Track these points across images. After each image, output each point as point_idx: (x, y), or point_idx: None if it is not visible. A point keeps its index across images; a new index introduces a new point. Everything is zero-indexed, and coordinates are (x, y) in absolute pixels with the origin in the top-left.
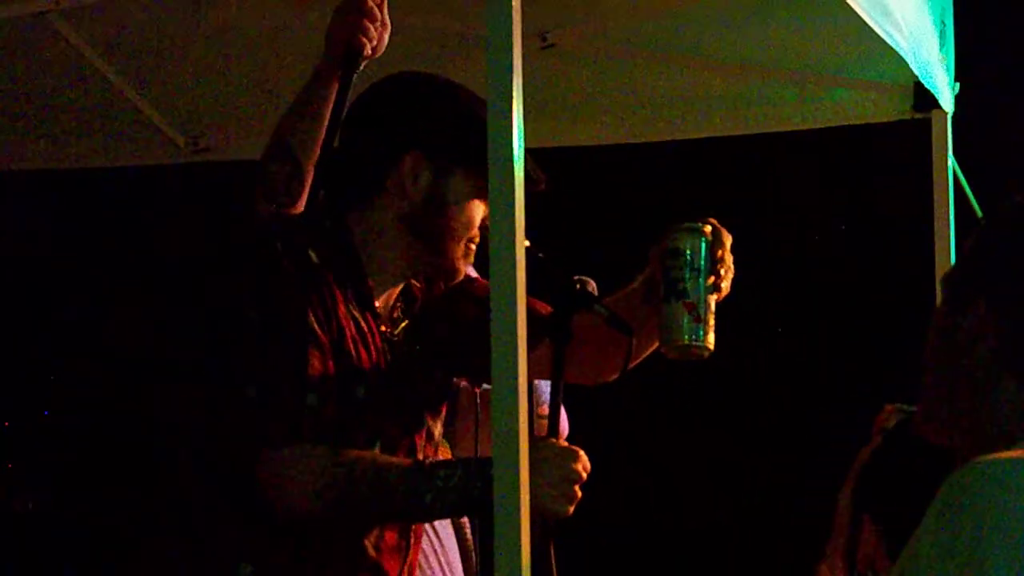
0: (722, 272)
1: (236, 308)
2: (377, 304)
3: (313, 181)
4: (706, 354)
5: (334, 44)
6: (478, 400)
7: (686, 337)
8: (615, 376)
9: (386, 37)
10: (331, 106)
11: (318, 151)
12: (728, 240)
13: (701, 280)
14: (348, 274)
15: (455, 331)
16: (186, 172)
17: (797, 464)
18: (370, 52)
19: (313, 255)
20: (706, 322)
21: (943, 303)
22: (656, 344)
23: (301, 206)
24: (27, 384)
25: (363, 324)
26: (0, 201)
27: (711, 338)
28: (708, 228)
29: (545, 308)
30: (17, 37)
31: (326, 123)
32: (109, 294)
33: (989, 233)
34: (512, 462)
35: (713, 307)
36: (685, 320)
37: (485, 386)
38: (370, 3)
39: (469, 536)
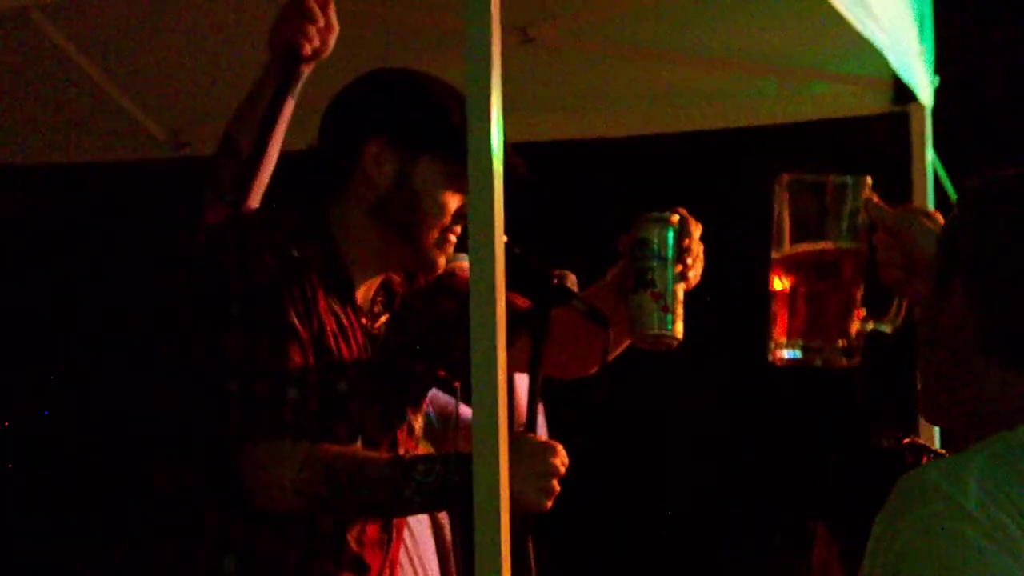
0: (689, 261)
1: (218, 303)
2: (357, 298)
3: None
4: (675, 343)
5: (273, 45)
6: (458, 395)
7: (655, 327)
8: (593, 370)
9: (331, 39)
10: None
11: (268, 148)
12: (696, 230)
13: (669, 270)
14: (327, 268)
15: (435, 326)
16: (167, 168)
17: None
18: (310, 53)
19: (293, 250)
20: (674, 311)
21: (926, 294)
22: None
23: (254, 201)
24: (6, 380)
25: (343, 318)
26: None
27: (679, 327)
28: (675, 218)
29: (523, 302)
30: None
31: (275, 126)
32: (90, 289)
33: (958, 216)
34: (491, 457)
35: (681, 296)
36: (653, 310)
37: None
38: (310, 5)
39: (448, 537)
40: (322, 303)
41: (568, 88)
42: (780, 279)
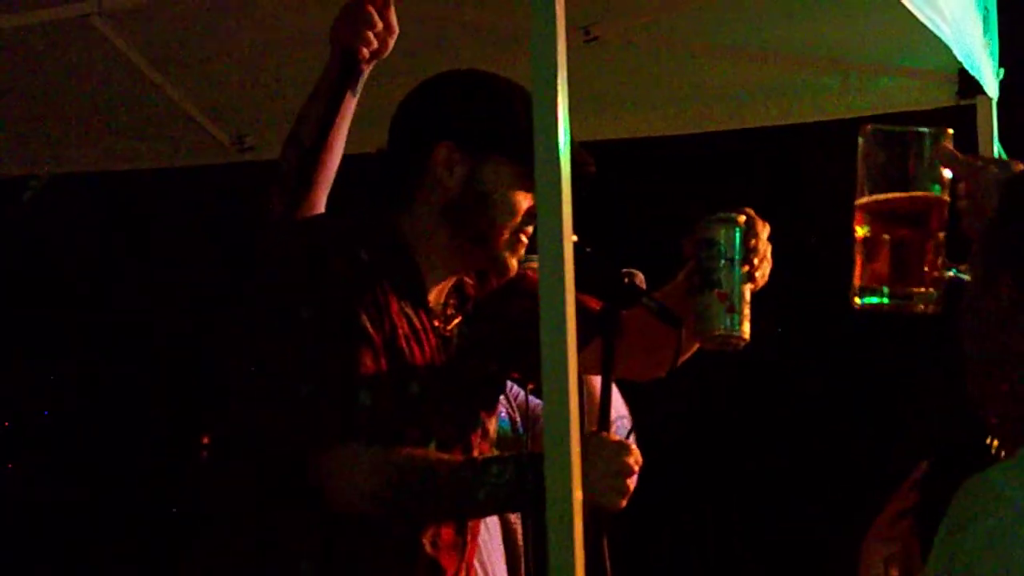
0: (756, 262)
1: (289, 307)
2: (429, 300)
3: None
4: (741, 344)
5: (334, 44)
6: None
7: (721, 327)
8: (666, 370)
9: (391, 41)
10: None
11: (328, 142)
12: (764, 230)
13: (736, 270)
14: (399, 271)
15: (507, 327)
16: (232, 171)
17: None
18: (367, 56)
19: (364, 253)
20: (740, 312)
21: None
22: None
23: (320, 203)
24: (84, 380)
25: (416, 321)
26: (49, 204)
27: (746, 328)
28: (742, 218)
29: (595, 304)
30: (60, 40)
31: (334, 121)
32: (162, 293)
33: (1005, 208)
34: (564, 456)
35: (748, 297)
36: (719, 310)
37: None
38: (368, 8)
39: (520, 540)
40: (394, 306)
41: (631, 86)
42: (862, 226)
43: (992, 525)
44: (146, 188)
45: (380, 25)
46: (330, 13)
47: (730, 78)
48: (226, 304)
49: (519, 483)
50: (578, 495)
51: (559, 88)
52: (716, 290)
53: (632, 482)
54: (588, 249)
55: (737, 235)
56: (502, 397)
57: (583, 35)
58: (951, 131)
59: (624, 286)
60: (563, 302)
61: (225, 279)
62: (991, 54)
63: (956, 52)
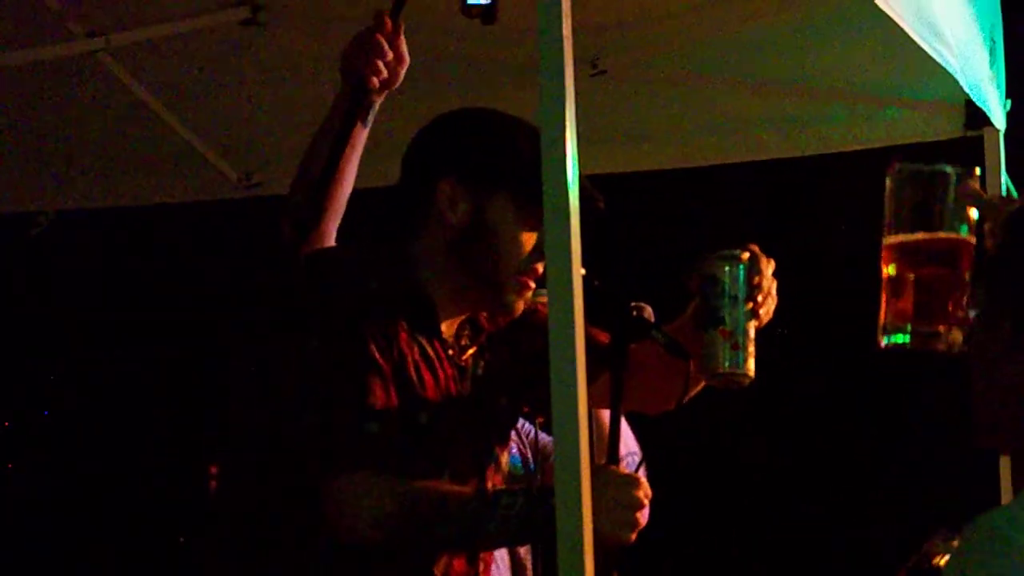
0: (760, 299)
1: (298, 337)
2: (444, 331)
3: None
4: (746, 382)
5: (343, 76)
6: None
7: (725, 365)
8: (675, 403)
9: (401, 71)
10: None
11: (338, 173)
12: (768, 267)
13: (740, 308)
14: (411, 301)
15: (518, 361)
16: (240, 207)
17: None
18: (378, 85)
19: (373, 283)
20: (745, 349)
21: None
22: None
23: (330, 235)
24: (92, 418)
25: (429, 350)
26: (56, 240)
27: (751, 365)
28: (745, 255)
29: (604, 337)
30: (68, 77)
31: (344, 151)
32: (170, 324)
33: (1004, 245)
34: (574, 490)
35: (752, 334)
36: (724, 348)
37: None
38: (379, 39)
39: (523, 556)
40: (403, 335)
41: (638, 119)
42: (889, 265)
43: (998, 570)
44: (152, 223)
45: (391, 55)
46: (339, 49)
47: (737, 111)
48: (236, 331)
49: (529, 516)
50: (588, 529)
51: (567, 122)
52: (720, 328)
53: (642, 516)
54: (596, 283)
55: (741, 272)
56: (513, 432)
57: (590, 68)
58: (978, 170)
59: (633, 319)
60: (572, 336)
61: (235, 309)
62: (998, 85)
63: (962, 83)
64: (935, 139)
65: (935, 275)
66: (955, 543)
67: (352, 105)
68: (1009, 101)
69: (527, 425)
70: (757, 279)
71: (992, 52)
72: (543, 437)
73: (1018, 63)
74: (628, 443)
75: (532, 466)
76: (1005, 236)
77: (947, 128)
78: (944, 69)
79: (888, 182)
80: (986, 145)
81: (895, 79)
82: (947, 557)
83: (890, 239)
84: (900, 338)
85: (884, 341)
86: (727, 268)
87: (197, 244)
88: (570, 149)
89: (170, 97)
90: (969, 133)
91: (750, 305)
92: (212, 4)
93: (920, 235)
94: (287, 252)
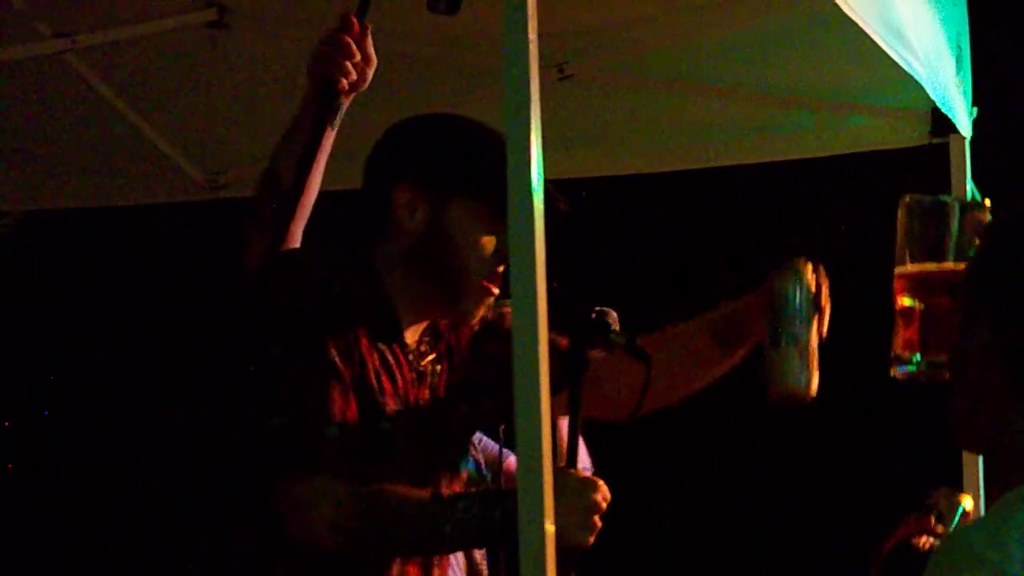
0: (823, 314)
1: (260, 340)
2: (405, 337)
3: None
4: (808, 400)
5: (311, 77)
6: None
7: (795, 382)
8: (634, 409)
9: (369, 72)
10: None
11: (310, 181)
12: (826, 283)
13: (807, 324)
14: (372, 307)
15: (481, 367)
16: (207, 209)
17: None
18: (346, 87)
19: (336, 287)
20: (811, 367)
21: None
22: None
23: (295, 237)
24: (51, 419)
25: (389, 356)
26: (22, 239)
27: (815, 383)
28: (809, 268)
29: (566, 342)
30: (35, 77)
31: (315, 154)
32: (132, 327)
33: (984, 252)
34: (536, 494)
35: (816, 352)
36: (794, 365)
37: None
38: (347, 39)
39: (479, 561)
40: (364, 340)
41: (605, 124)
42: (900, 295)
43: None
44: (119, 224)
45: (358, 56)
46: (304, 52)
47: (703, 117)
48: (202, 336)
49: (486, 519)
50: (551, 533)
51: (532, 126)
52: (793, 344)
53: (599, 520)
54: (555, 284)
55: (806, 288)
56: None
57: (557, 73)
58: (988, 202)
59: (591, 321)
60: (536, 340)
61: (199, 311)
62: (964, 93)
63: (928, 90)
64: (902, 146)
65: (943, 305)
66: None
67: (321, 108)
68: (976, 109)
69: (484, 439)
70: (820, 295)
71: (959, 59)
72: (492, 446)
73: (985, 71)
74: (582, 459)
75: (485, 471)
76: (985, 242)
77: (913, 135)
78: (910, 76)
79: (900, 213)
80: (952, 153)
81: (861, 86)
82: (928, 539)
83: (900, 269)
84: (909, 367)
85: (895, 370)
86: (797, 284)
87: (163, 245)
88: (535, 153)
89: (137, 98)
90: (935, 140)
91: (815, 323)
92: (179, 6)
93: (929, 265)
94: (253, 256)
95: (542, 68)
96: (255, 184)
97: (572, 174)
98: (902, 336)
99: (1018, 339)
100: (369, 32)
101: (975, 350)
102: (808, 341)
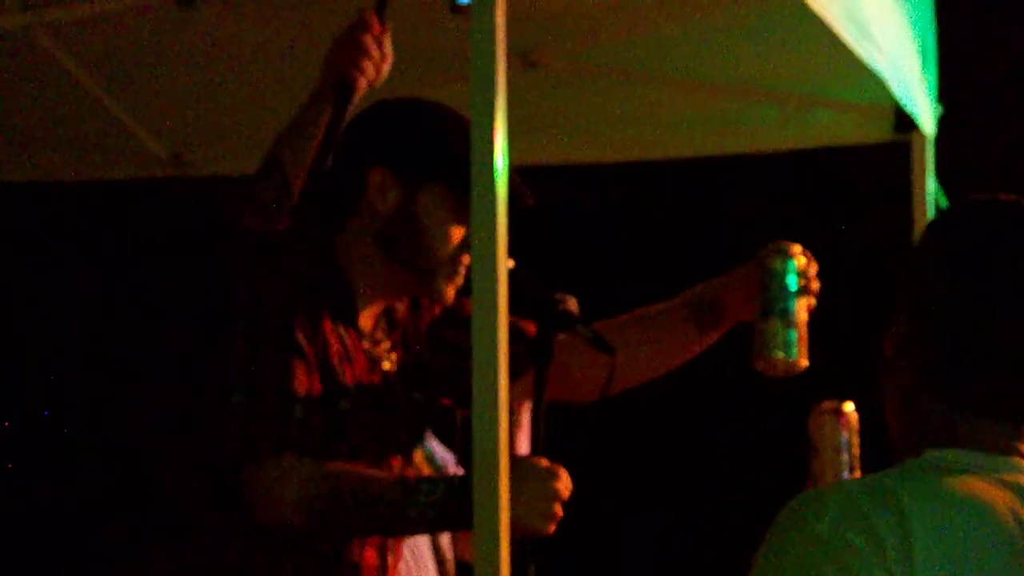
0: (812, 292)
1: (226, 318)
2: (361, 323)
3: (300, 200)
4: (797, 370)
5: (329, 72)
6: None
7: (783, 352)
8: (598, 395)
9: (386, 68)
10: (323, 130)
11: (310, 171)
12: (812, 266)
13: (794, 299)
14: (333, 290)
15: (441, 353)
16: (170, 186)
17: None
18: (364, 84)
19: (303, 268)
20: (800, 339)
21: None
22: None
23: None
24: (16, 392)
25: (347, 339)
26: None
27: (805, 354)
28: (797, 249)
29: (530, 327)
30: (0, 50)
31: (330, 148)
32: (96, 303)
33: (914, 250)
34: (492, 480)
35: (805, 326)
36: (781, 336)
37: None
38: (367, 39)
39: (452, 567)
40: (327, 324)
41: (569, 113)
42: None
43: (782, 541)
44: (81, 199)
45: (378, 55)
46: (272, 30)
47: (668, 107)
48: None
49: (449, 504)
50: (505, 520)
51: (498, 114)
52: (779, 317)
53: (560, 508)
54: (518, 269)
55: (794, 266)
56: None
57: (523, 62)
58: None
59: (557, 312)
60: (495, 327)
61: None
62: (929, 90)
63: (891, 86)
64: (865, 142)
65: None
66: None
67: (337, 104)
68: (940, 107)
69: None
70: (808, 273)
71: (924, 57)
72: (439, 449)
73: (952, 69)
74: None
75: (439, 461)
76: (919, 240)
77: (876, 132)
78: (874, 72)
79: None
80: (913, 150)
81: (825, 81)
82: None
83: None
84: None
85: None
86: (785, 261)
87: (124, 221)
88: (499, 141)
89: (103, 74)
90: (898, 137)
91: (804, 298)
92: None
93: None
94: (243, 237)
95: (508, 56)
96: (256, 169)
97: (533, 161)
98: None
99: (928, 328)
100: (389, 29)
101: (894, 344)
102: (797, 315)
